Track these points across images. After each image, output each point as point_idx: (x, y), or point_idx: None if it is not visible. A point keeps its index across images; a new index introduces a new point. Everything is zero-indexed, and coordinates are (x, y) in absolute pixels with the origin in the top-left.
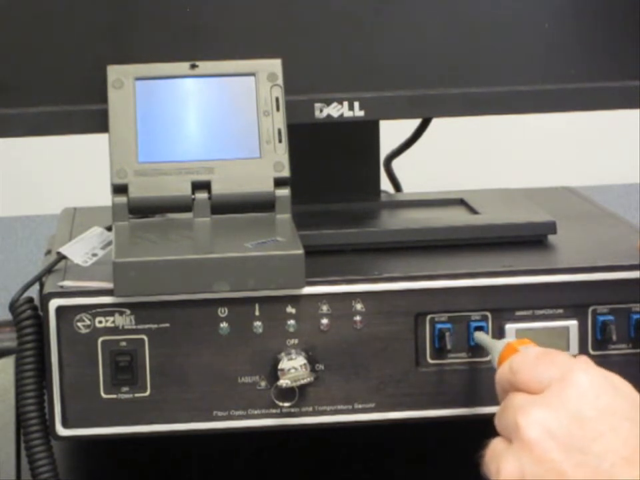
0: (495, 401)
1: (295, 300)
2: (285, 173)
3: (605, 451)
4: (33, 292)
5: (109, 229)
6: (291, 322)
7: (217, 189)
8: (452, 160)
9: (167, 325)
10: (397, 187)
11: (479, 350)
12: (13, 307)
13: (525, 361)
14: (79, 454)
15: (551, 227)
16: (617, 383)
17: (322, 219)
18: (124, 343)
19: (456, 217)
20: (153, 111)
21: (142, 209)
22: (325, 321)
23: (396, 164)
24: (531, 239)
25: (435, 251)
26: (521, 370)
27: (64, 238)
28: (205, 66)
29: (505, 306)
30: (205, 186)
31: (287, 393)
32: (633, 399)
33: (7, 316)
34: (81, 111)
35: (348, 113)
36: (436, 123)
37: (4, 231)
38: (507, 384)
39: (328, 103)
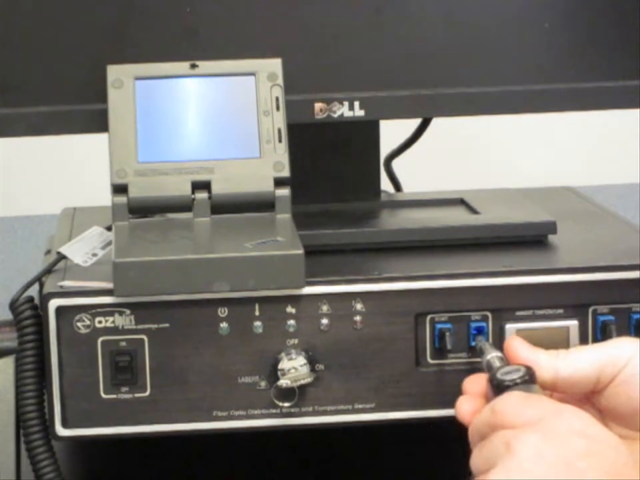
0: None
1: (295, 300)
2: (285, 173)
3: (588, 468)
4: (33, 292)
5: (109, 228)
6: (291, 322)
7: (216, 189)
8: (452, 160)
9: (167, 325)
10: (397, 186)
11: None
12: (13, 306)
13: (509, 402)
14: (79, 454)
15: (551, 227)
16: (601, 429)
17: (322, 219)
18: (124, 343)
19: (456, 217)
20: (153, 111)
21: (142, 209)
22: (325, 320)
23: (396, 164)
24: (531, 239)
25: (434, 251)
26: (507, 410)
27: (64, 238)
28: (204, 66)
29: (505, 306)
30: (204, 186)
31: (286, 393)
32: (617, 442)
33: (7, 316)
34: (80, 111)
35: (348, 113)
36: (436, 123)
37: (4, 231)
38: (486, 428)
39: (328, 102)
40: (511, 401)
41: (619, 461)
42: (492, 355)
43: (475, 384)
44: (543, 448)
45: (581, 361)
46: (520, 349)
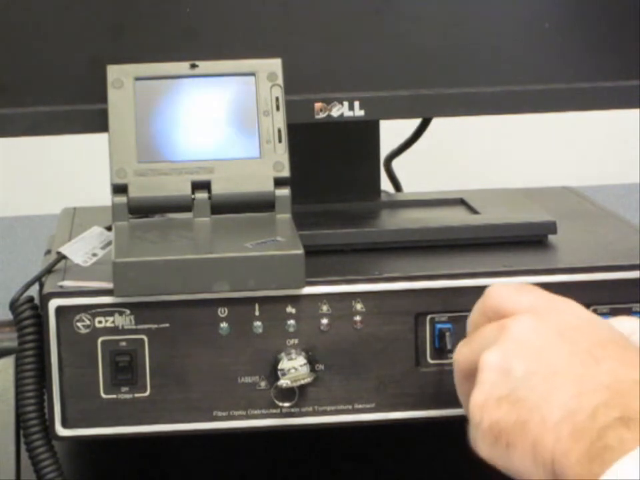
0: None
1: (295, 300)
2: (285, 172)
3: (582, 337)
4: (33, 292)
5: (109, 228)
6: (291, 322)
7: (216, 189)
8: (452, 160)
9: (167, 325)
10: (397, 187)
11: None
12: (13, 306)
13: (503, 290)
14: (79, 454)
15: (551, 227)
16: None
17: (322, 219)
18: (124, 343)
19: (456, 217)
20: (153, 111)
21: (142, 209)
22: (324, 320)
23: (396, 164)
24: (531, 239)
25: (434, 251)
26: (502, 296)
27: (64, 238)
28: (204, 66)
29: None
30: (204, 186)
31: (287, 393)
32: (611, 325)
33: (7, 316)
34: (80, 111)
35: (348, 113)
36: (436, 123)
37: (4, 231)
38: (482, 318)
39: (328, 102)
40: (505, 287)
41: (614, 335)
42: None
43: None
44: (537, 323)
45: None
46: None
